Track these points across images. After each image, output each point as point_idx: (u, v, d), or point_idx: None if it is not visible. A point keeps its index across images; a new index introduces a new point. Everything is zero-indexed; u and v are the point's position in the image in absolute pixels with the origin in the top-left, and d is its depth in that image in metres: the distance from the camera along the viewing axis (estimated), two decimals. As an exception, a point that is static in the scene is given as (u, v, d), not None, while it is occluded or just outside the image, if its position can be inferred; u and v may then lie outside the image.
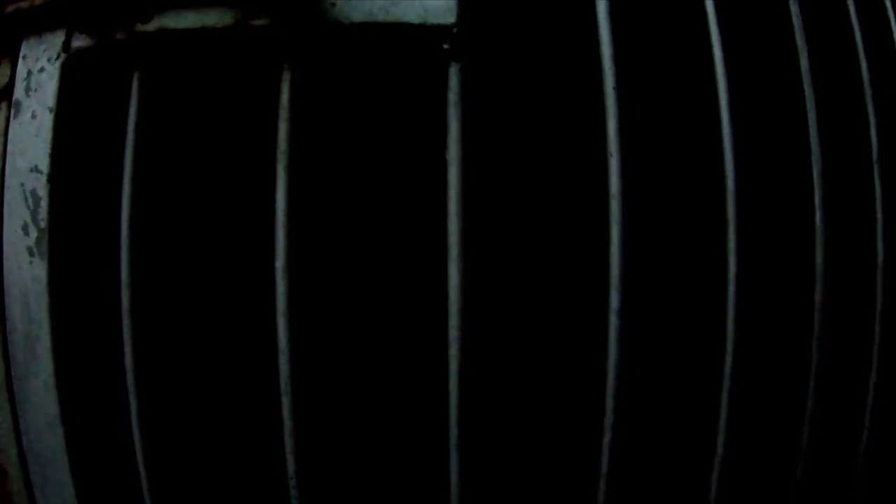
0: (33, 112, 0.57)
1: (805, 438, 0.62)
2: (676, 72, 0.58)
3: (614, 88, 0.54)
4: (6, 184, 0.58)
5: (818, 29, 0.66)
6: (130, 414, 0.56)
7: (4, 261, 0.58)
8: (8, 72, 0.59)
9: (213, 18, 0.51)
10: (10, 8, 0.58)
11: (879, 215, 0.66)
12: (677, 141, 0.57)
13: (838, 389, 0.64)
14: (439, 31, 0.51)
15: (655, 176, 0.56)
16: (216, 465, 0.57)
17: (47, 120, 0.57)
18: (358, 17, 0.51)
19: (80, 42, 0.56)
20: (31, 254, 0.57)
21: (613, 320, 0.53)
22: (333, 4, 0.51)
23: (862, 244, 0.65)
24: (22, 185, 0.57)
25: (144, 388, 0.56)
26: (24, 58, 0.58)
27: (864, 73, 0.68)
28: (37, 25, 0.57)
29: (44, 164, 0.57)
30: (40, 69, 0.57)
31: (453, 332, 0.51)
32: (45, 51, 0.57)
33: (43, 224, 0.57)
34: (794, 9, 0.65)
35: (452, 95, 0.51)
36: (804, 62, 0.63)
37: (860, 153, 0.67)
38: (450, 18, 0.51)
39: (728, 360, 0.58)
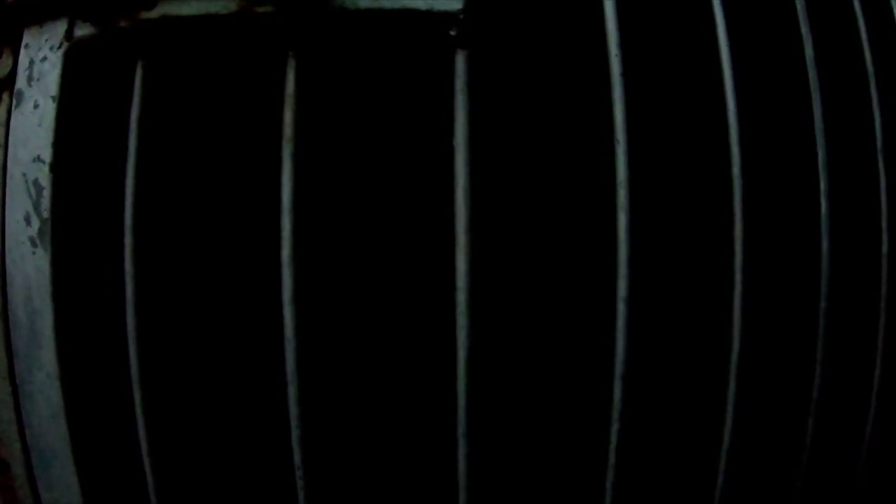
0: (35, 102, 0.57)
1: (810, 428, 0.62)
2: (682, 59, 0.58)
3: (621, 75, 0.54)
4: (8, 174, 0.58)
5: (822, 17, 0.66)
6: (134, 405, 0.56)
7: (7, 252, 0.58)
8: (10, 61, 0.59)
9: (217, 5, 0.51)
10: (12, -3, 0.57)
11: (884, 204, 0.66)
12: (684, 128, 0.57)
13: (843, 378, 0.64)
14: (446, 17, 0.51)
15: (662, 163, 0.56)
16: (221, 457, 0.57)
17: (50, 109, 0.56)
18: (364, 3, 0.51)
19: (82, 31, 0.55)
20: (33, 244, 0.57)
21: (621, 308, 0.53)
22: (339, -10, 0.51)
23: (867, 233, 0.65)
24: (24, 175, 0.57)
25: (148, 379, 0.56)
26: (26, 47, 0.58)
27: (868, 62, 0.68)
28: (39, 14, 0.57)
29: (46, 154, 0.56)
30: (42, 58, 0.57)
31: (461, 320, 0.50)
32: (47, 40, 0.57)
33: (45, 214, 0.56)
34: (798, -3, 0.65)
35: (459, 82, 0.51)
36: (809, 51, 0.63)
37: (865, 143, 0.67)
38: (456, 5, 0.51)
39: (735, 348, 0.58)
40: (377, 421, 0.54)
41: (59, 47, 0.56)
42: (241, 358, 0.55)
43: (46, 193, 0.56)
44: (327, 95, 0.52)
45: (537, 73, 0.53)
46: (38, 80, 0.57)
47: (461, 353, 0.51)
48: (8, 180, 0.58)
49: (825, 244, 0.62)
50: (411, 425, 0.54)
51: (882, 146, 0.67)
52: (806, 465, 0.62)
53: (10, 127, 0.58)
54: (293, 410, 0.53)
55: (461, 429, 0.51)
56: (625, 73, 0.54)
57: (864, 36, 0.69)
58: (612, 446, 0.54)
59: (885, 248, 0.66)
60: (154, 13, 0.52)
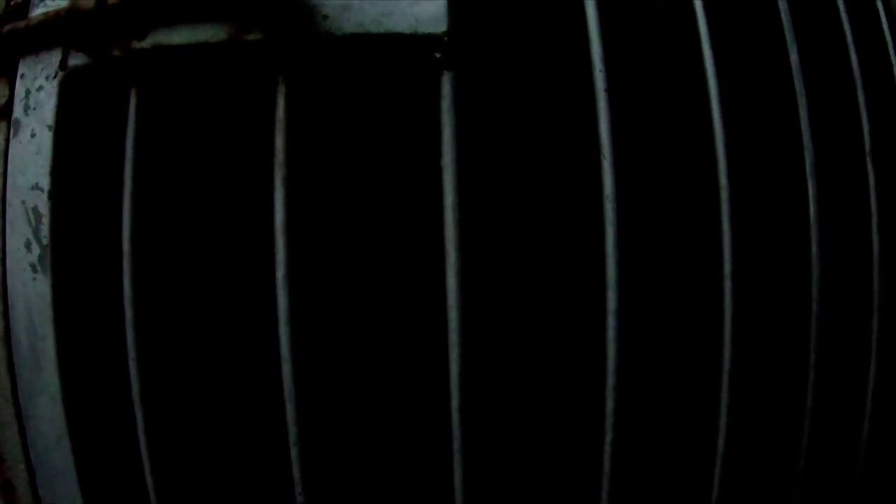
0: (33, 130, 0.58)
1: (805, 432, 0.63)
2: (666, 72, 0.59)
3: (605, 90, 0.55)
4: (8, 201, 0.59)
5: (807, 23, 0.66)
6: (137, 426, 0.57)
7: (8, 278, 0.59)
8: (6, 91, 0.60)
9: (207, 34, 0.52)
10: (7, 28, 0.59)
11: (874, 207, 0.66)
12: (669, 140, 0.58)
13: (838, 382, 0.65)
14: (431, 40, 0.52)
15: (648, 176, 0.56)
16: (223, 475, 0.57)
17: (47, 138, 0.57)
18: (350, 28, 0.52)
19: (77, 60, 0.56)
20: (34, 270, 0.58)
21: (611, 321, 0.54)
22: (326, 17, 0.52)
23: (857, 237, 0.65)
24: (23, 202, 0.58)
25: (150, 399, 0.56)
26: (21, 77, 0.59)
27: (855, 66, 0.68)
28: (34, 44, 0.58)
29: (44, 182, 0.57)
30: (38, 88, 0.58)
31: (453, 337, 0.51)
32: (42, 69, 0.58)
33: (45, 241, 0.57)
34: (782, 4, 0.65)
35: (445, 103, 0.52)
36: (794, 57, 0.64)
37: (853, 147, 0.67)
38: (440, 28, 0.52)
39: (726, 356, 0.58)
40: (374, 437, 0.55)
41: (55, 77, 0.57)
42: (240, 376, 0.56)
43: (46, 220, 0.57)
44: (317, 119, 0.53)
45: (522, 92, 0.54)
46: (34, 109, 0.58)
47: (453, 368, 0.52)
48: (8, 208, 0.59)
49: (815, 249, 0.62)
50: (407, 440, 0.55)
51: (870, 149, 0.68)
52: (802, 470, 0.63)
53: (9, 156, 0.59)
54: (291, 428, 0.54)
55: (456, 444, 0.52)
56: (609, 89, 0.54)
57: (849, 40, 0.69)
58: (607, 456, 0.55)
59: (875, 251, 0.66)
60: (146, 42, 0.53)
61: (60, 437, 0.59)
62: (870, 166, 0.68)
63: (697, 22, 0.60)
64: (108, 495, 0.61)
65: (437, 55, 0.51)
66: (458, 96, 0.52)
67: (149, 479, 0.57)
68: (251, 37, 0.51)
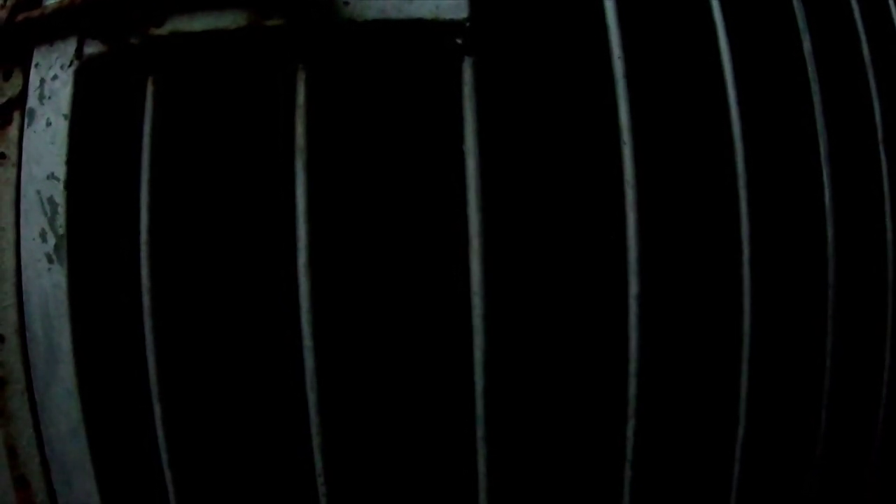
0: (48, 119, 0.57)
1: (823, 417, 0.63)
2: (683, 58, 0.59)
3: (624, 76, 0.55)
4: (22, 192, 0.58)
5: (820, 12, 0.67)
6: (154, 417, 0.56)
7: (23, 269, 0.58)
8: (20, 80, 0.59)
9: (226, 20, 0.51)
10: (21, 17, 0.58)
11: (887, 193, 0.67)
12: (687, 126, 0.58)
13: (855, 366, 0.65)
14: (452, 26, 0.52)
15: (668, 161, 0.56)
16: (243, 467, 0.57)
17: (62, 127, 0.57)
18: (371, 14, 0.51)
19: (92, 48, 0.56)
20: (49, 260, 0.57)
21: (633, 306, 0.54)
22: (347, 3, 0.51)
23: (871, 222, 0.66)
24: (38, 192, 0.58)
25: (168, 391, 0.56)
26: (36, 66, 0.58)
27: (866, 54, 0.69)
28: (48, 33, 0.58)
29: (60, 171, 0.57)
30: (53, 77, 0.57)
31: (477, 322, 0.51)
32: (57, 58, 0.57)
33: (61, 231, 0.57)
34: (795, -7, 0.66)
35: (467, 88, 0.52)
36: (807, 45, 0.64)
37: (866, 134, 0.68)
38: (461, 13, 0.52)
39: (746, 340, 0.58)
40: (396, 425, 0.55)
41: (70, 65, 0.57)
42: (261, 367, 0.55)
43: (61, 210, 0.57)
44: (338, 106, 0.53)
45: (543, 78, 0.54)
46: (49, 98, 0.58)
47: (478, 355, 0.52)
48: (22, 198, 0.58)
49: (830, 234, 0.63)
50: (430, 427, 0.55)
51: (883, 136, 0.68)
52: (820, 454, 0.63)
53: (23, 145, 0.58)
54: (313, 417, 0.53)
55: (480, 431, 0.52)
56: (628, 75, 0.54)
57: (860, 28, 0.70)
58: (629, 443, 0.55)
59: (889, 237, 0.67)
60: (164, 29, 0.53)
61: (76, 430, 0.59)
62: (882, 153, 0.68)
63: (713, 10, 0.60)
64: (125, 489, 0.60)
65: (459, 41, 0.51)
66: (479, 82, 0.52)
67: (167, 472, 0.57)
68: (271, 23, 0.51)
